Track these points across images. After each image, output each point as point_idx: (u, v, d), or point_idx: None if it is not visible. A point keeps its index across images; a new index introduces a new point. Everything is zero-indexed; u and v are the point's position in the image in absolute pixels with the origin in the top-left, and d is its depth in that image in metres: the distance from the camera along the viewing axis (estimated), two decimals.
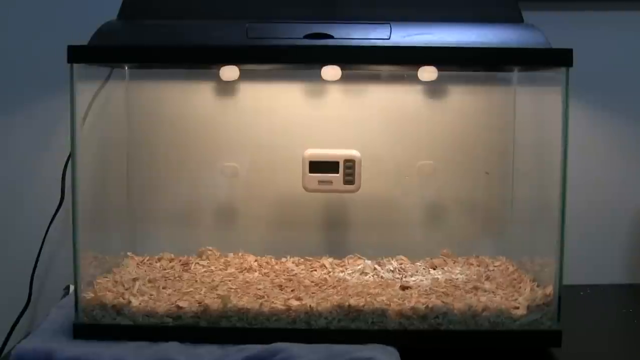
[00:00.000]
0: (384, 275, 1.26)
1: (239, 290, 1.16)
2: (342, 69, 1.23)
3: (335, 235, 1.39)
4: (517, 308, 1.08)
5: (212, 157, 1.37)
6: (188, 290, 1.16)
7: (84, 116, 1.14)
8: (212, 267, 1.29)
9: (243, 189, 1.37)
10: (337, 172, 1.28)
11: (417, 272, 1.28)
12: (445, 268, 1.30)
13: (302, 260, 1.33)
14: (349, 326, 1.07)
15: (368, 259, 1.32)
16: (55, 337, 1.07)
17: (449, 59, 1.10)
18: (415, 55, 1.08)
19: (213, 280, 1.21)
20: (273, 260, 1.33)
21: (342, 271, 1.28)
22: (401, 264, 1.31)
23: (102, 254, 1.22)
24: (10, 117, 1.40)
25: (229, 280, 1.21)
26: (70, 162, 1.10)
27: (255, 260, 1.32)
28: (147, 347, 1.04)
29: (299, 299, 1.11)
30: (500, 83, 1.35)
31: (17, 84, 1.39)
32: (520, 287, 1.17)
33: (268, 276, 1.25)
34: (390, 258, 1.32)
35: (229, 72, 1.27)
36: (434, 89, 1.34)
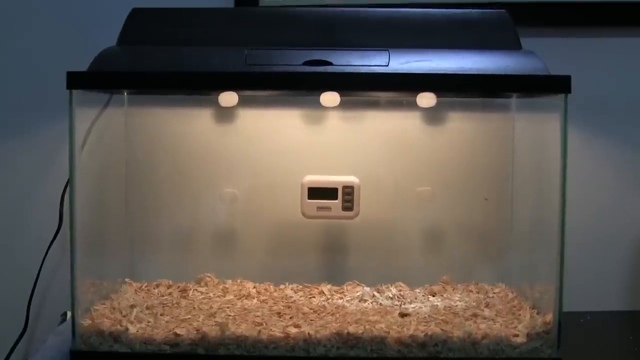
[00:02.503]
0: (382, 302, 1.25)
1: (237, 317, 1.15)
2: (341, 96, 1.24)
3: (334, 261, 1.38)
4: (517, 336, 1.08)
5: (210, 183, 1.36)
6: (186, 317, 1.15)
7: (83, 142, 1.14)
8: (211, 294, 1.28)
9: (242, 215, 1.37)
10: (336, 199, 1.27)
11: (416, 299, 1.27)
12: (445, 295, 1.29)
13: (301, 287, 1.32)
14: (348, 354, 1.06)
15: (367, 286, 1.31)
16: None
17: (448, 86, 1.10)
18: (414, 81, 1.08)
19: (211, 307, 1.21)
20: (272, 287, 1.32)
21: (340, 298, 1.27)
22: (400, 290, 1.30)
23: (99, 280, 1.22)
24: (10, 142, 1.40)
25: (227, 307, 1.21)
26: (68, 187, 1.10)
27: (254, 287, 1.31)
28: None
29: (297, 326, 1.10)
30: (499, 109, 1.35)
31: (17, 108, 1.39)
32: (519, 315, 1.16)
33: (266, 303, 1.24)
34: (389, 285, 1.32)
35: (228, 98, 1.27)
36: (432, 116, 1.34)
